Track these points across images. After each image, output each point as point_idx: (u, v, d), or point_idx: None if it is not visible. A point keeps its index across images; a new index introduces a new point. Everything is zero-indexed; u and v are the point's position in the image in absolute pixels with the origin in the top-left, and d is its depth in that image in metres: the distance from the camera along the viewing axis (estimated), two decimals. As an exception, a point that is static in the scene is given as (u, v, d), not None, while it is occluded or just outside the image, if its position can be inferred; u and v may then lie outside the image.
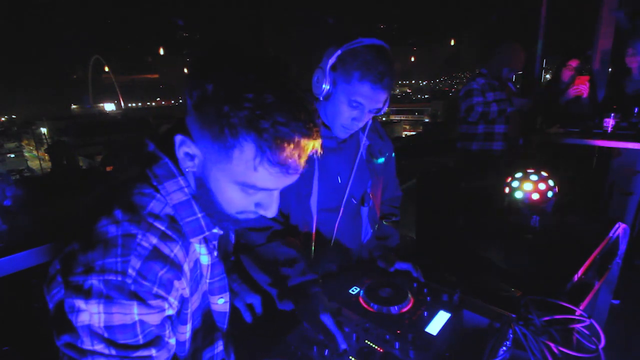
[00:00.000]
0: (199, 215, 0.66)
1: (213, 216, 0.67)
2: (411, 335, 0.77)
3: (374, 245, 1.31)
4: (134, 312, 0.55)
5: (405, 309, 0.88)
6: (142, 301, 0.56)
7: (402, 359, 0.73)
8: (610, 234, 1.34)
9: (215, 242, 0.75)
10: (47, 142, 46.00)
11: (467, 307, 0.88)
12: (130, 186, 0.63)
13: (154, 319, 0.58)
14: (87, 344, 0.54)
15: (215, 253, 0.74)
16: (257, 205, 0.66)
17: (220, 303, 0.77)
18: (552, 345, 0.80)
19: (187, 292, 0.66)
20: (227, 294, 0.78)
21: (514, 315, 0.84)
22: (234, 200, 0.63)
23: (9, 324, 1.24)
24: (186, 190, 0.65)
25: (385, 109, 1.09)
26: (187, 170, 0.64)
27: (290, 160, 0.57)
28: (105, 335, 0.55)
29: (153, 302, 0.58)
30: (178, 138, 0.60)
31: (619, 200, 2.58)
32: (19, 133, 58.08)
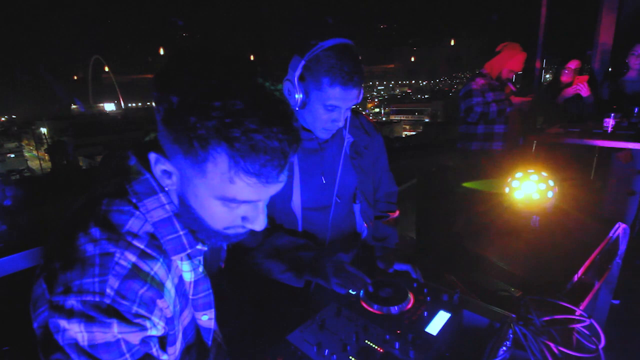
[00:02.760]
0: (181, 232, 0.64)
1: (200, 233, 0.65)
2: (411, 335, 0.77)
3: (373, 246, 1.31)
4: (114, 330, 0.54)
5: (405, 309, 0.88)
6: (122, 320, 0.54)
7: (402, 359, 0.73)
8: (610, 234, 1.34)
9: (201, 258, 0.72)
10: (47, 142, 45.99)
11: (467, 307, 0.88)
12: (108, 202, 0.60)
13: (134, 338, 0.56)
14: (73, 357, 0.53)
15: (201, 269, 0.71)
16: (244, 219, 0.64)
17: (205, 319, 0.75)
18: (552, 345, 0.80)
19: (170, 312, 0.63)
20: (212, 310, 0.75)
21: (514, 315, 0.84)
22: (218, 215, 0.61)
23: (9, 324, 1.24)
24: (167, 207, 0.63)
25: (360, 99, 1.09)
26: (167, 188, 0.62)
27: (267, 169, 0.54)
28: (92, 352, 0.53)
29: (133, 321, 0.56)
30: (152, 156, 0.58)
31: (619, 200, 2.58)
32: (19, 133, 58.04)
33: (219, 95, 0.50)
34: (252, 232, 0.68)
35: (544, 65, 3.73)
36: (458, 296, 0.89)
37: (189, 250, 0.65)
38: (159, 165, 0.59)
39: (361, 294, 0.97)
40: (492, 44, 2.82)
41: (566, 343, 0.83)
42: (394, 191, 1.44)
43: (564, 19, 3.89)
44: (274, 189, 0.59)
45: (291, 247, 1.10)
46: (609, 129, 2.48)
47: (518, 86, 3.12)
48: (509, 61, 2.73)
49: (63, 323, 0.52)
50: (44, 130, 49.06)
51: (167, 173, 0.60)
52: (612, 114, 2.47)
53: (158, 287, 0.60)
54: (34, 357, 0.56)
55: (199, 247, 0.68)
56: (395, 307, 0.88)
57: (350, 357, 0.74)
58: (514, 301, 0.95)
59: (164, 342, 0.64)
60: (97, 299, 0.53)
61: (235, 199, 0.57)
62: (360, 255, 1.31)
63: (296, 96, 1.04)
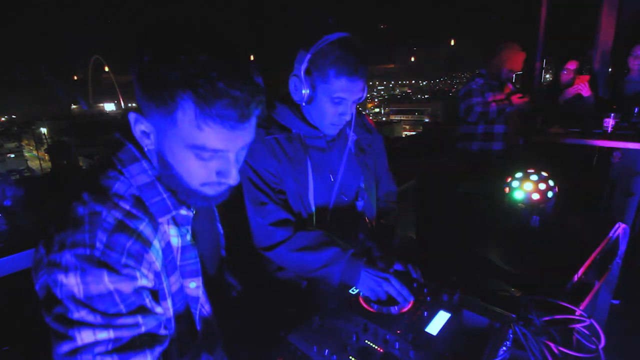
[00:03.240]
0: (164, 195, 0.70)
1: (179, 191, 0.69)
2: (411, 335, 0.77)
3: (373, 245, 1.31)
4: (105, 280, 0.59)
5: (405, 309, 0.88)
6: (111, 270, 0.59)
7: (402, 359, 0.73)
8: (610, 234, 1.34)
9: (189, 227, 0.77)
10: (47, 142, 45.99)
11: (467, 307, 0.88)
12: (97, 171, 0.68)
13: (126, 287, 0.61)
14: (74, 313, 0.57)
15: (188, 237, 0.76)
16: (218, 174, 0.68)
17: (192, 287, 0.79)
18: (552, 345, 0.80)
19: (158, 266, 0.69)
20: (199, 278, 0.79)
21: (514, 315, 0.84)
22: (193, 170, 0.66)
23: (9, 324, 1.24)
24: (149, 172, 0.69)
25: (365, 94, 1.10)
26: (146, 148, 0.68)
27: (230, 115, 0.59)
28: (90, 303, 0.58)
29: (123, 271, 0.61)
30: (132, 116, 0.64)
31: (619, 200, 2.58)
32: (19, 133, 58.01)
33: (184, 49, 0.57)
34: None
35: (544, 65, 3.73)
36: (458, 296, 0.89)
37: (173, 212, 0.71)
38: (138, 125, 0.65)
39: (361, 293, 0.97)
40: (492, 44, 2.82)
41: (566, 343, 0.83)
42: (393, 190, 1.45)
43: (564, 19, 3.89)
44: (240, 138, 0.64)
45: (318, 243, 1.09)
46: (609, 129, 2.48)
47: (518, 86, 3.12)
48: (508, 61, 2.72)
49: (61, 277, 0.58)
50: (44, 130, 49.04)
51: (145, 134, 0.66)
52: (612, 114, 2.47)
53: (144, 243, 0.65)
54: (34, 357, 0.57)
55: (183, 212, 0.74)
56: (395, 307, 0.88)
57: (350, 357, 0.74)
58: (514, 301, 0.95)
59: (156, 295, 0.69)
60: (88, 252, 0.59)
61: (204, 146, 0.62)
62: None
63: (303, 91, 1.05)
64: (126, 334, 0.60)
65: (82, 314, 0.58)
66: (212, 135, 0.61)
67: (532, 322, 0.85)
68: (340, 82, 1.02)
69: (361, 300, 0.94)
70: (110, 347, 0.58)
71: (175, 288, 0.76)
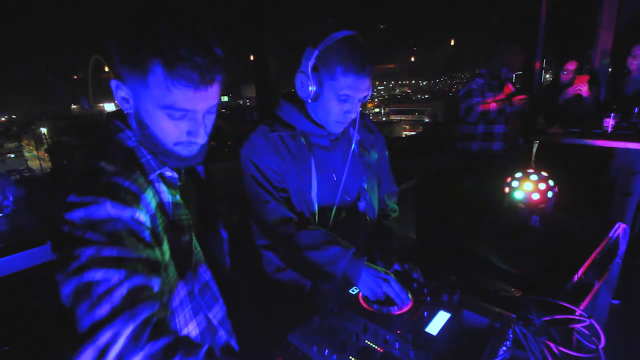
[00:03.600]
0: (148, 157, 0.80)
1: (156, 151, 0.79)
2: (411, 335, 0.77)
3: (373, 245, 1.31)
4: (109, 208, 0.67)
5: (405, 309, 0.88)
6: (115, 199, 0.68)
7: (402, 359, 0.73)
8: (610, 234, 1.34)
9: (177, 186, 0.85)
10: (47, 142, 45.97)
11: (467, 307, 0.88)
12: (95, 141, 0.81)
13: (127, 214, 0.69)
14: (78, 232, 0.64)
15: (177, 197, 0.84)
16: (188, 133, 0.77)
17: (186, 239, 0.85)
18: (552, 345, 0.80)
19: (151, 208, 0.77)
20: (191, 233, 0.86)
21: (514, 315, 0.84)
22: (166, 129, 0.75)
23: (9, 324, 1.24)
24: (133, 139, 0.80)
25: (370, 93, 1.11)
26: (126, 112, 0.79)
27: (194, 78, 0.68)
28: (93, 226, 0.65)
29: (125, 198, 0.70)
30: (113, 83, 0.75)
31: (619, 200, 2.57)
32: (19, 133, 57.95)
33: (152, 23, 0.68)
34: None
35: (544, 65, 3.73)
36: (458, 296, 0.89)
37: (158, 171, 0.80)
38: (119, 92, 0.75)
39: (361, 293, 0.97)
40: (492, 44, 2.82)
41: (566, 343, 0.83)
42: (394, 191, 1.45)
43: (564, 19, 3.89)
44: (205, 100, 0.73)
45: (320, 242, 1.08)
46: (609, 129, 2.48)
47: (518, 86, 3.12)
48: (508, 61, 2.73)
49: (68, 215, 0.65)
50: (44, 130, 49.03)
51: (125, 100, 0.76)
52: (612, 114, 2.47)
53: (139, 187, 0.74)
54: (34, 357, 0.57)
55: (168, 173, 0.82)
56: (395, 307, 0.88)
57: (350, 357, 0.74)
58: (514, 301, 0.95)
59: (156, 236, 0.76)
60: (94, 186, 0.69)
61: (174, 106, 0.71)
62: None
63: (309, 88, 1.06)
64: (129, 254, 0.65)
65: (86, 233, 0.64)
66: (179, 96, 0.70)
67: (532, 322, 0.85)
68: (348, 80, 1.03)
69: (361, 300, 0.94)
70: (115, 263, 0.63)
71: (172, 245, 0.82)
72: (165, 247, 0.79)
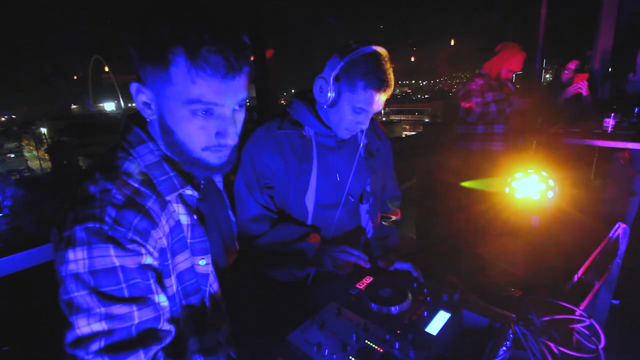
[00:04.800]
0: (171, 174, 0.74)
1: (183, 161, 0.73)
2: (411, 335, 0.77)
3: (374, 245, 1.31)
4: (112, 254, 0.61)
5: (405, 309, 0.88)
6: (118, 244, 0.62)
7: (402, 359, 0.73)
8: (610, 234, 1.34)
9: (194, 206, 0.80)
10: (47, 142, 45.98)
11: (467, 307, 0.88)
12: (108, 153, 0.73)
13: (131, 262, 0.63)
14: (74, 293, 0.60)
15: (195, 216, 0.79)
16: (217, 134, 0.70)
17: (202, 264, 0.81)
18: (552, 345, 0.80)
19: (164, 243, 0.71)
20: (209, 256, 0.82)
21: (514, 315, 0.84)
22: (193, 132, 0.69)
23: (9, 324, 1.24)
24: (156, 152, 0.74)
25: (382, 107, 1.13)
26: (149, 119, 0.72)
27: (219, 65, 0.62)
28: (91, 282, 0.60)
29: (129, 246, 0.63)
30: (133, 86, 0.68)
31: (619, 200, 2.57)
32: (19, 133, 57.98)
33: (172, 10, 0.62)
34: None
35: (544, 65, 3.72)
36: (458, 296, 0.89)
37: (180, 190, 0.74)
38: (140, 96, 0.69)
39: (361, 293, 0.97)
40: (492, 44, 2.82)
41: (566, 343, 0.83)
42: (397, 195, 1.46)
43: (564, 19, 3.89)
44: (233, 92, 0.67)
45: (294, 237, 1.15)
46: (609, 129, 2.48)
47: (517, 86, 3.12)
48: (508, 61, 2.72)
49: (69, 253, 0.60)
50: (44, 130, 49.04)
51: (147, 105, 0.69)
52: (612, 114, 2.46)
53: (151, 220, 0.68)
54: (34, 357, 0.57)
55: (188, 191, 0.77)
56: (395, 307, 0.88)
57: (350, 357, 0.74)
58: (514, 301, 0.95)
59: (160, 276, 0.71)
60: (98, 225, 0.62)
61: (199, 99, 0.65)
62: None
63: (328, 94, 1.07)
64: (119, 326, 0.61)
65: (82, 294, 0.60)
66: (205, 87, 0.64)
67: (532, 322, 0.85)
68: (366, 95, 1.05)
69: (361, 300, 0.94)
70: (102, 343, 0.60)
71: (185, 266, 0.78)
72: (173, 279, 0.75)
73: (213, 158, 0.73)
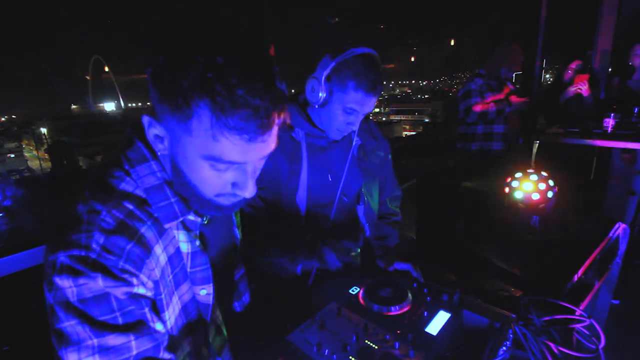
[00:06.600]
0: (172, 200, 0.66)
1: (193, 202, 0.66)
2: (411, 335, 0.77)
3: (373, 245, 1.31)
4: (100, 284, 0.55)
5: (405, 309, 0.88)
6: (107, 274, 0.56)
7: (402, 359, 0.73)
8: (610, 234, 1.34)
9: (197, 232, 0.73)
10: (47, 142, 46.00)
11: (467, 307, 0.88)
12: (103, 170, 0.64)
13: (120, 292, 0.57)
14: (64, 323, 0.54)
15: (197, 243, 0.72)
16: (234, 185, 0.63)
17: (203, 294, 0.75)
18: (552, 345, 0.80)
19: (157, 275, 0.64)
20: (210, 285, 0.75)
21: (514, 315, 0.84)
22: (208, 180, 0.61)
23: (9, 324, 1.25)
24: (158, 174, 0.66)
25: (373, 108, 1.14)
26: (159, 153, 0.64)
27: (249, 125, 0.53)
28: (82, 310, 0.55)
29: (120, 276, 0.57)
30: (145, 119, 0.59)
31: (619, 200, 2.57)
32: (19, 133, 58.03)
33: (201, 51, 0.51)
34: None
35: (544, 65, 3.72)
36: (458, 296, 0.89)
37: (180, 218, 0.67)
38: (152, 129, 0.60)
39: (361, 293, 0.97)
40: (492, 44, 2.82)
41: (566, 343, 0.83)
42: (397, 195, 1.45)
43: (564, 19, 3.89)
44: (259, 150, 0.59)
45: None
46: (609, 129, 2.48)
47: (517, 86, 3.12)
48: (507, 61, 2.72)
49: (56, 279, 0.55)
50: (44, 130, 49.07)
51: (159, 138, 0.61)
52: (612, 114, 2.47)
53: (145, 248, 0.61)
54: (34, 357, 0.57)
55: (191, 217, 0.70)
56: (395, 307, 0.88)
57: (350, 357, 0.74)
58: (514, 301, 0.95)
59: (156, 307, 0.64)
60: (83, 253, 0.55)
61: (221, 158, 0.57)
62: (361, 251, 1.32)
63: (320, 94, 1.08)
64: (115, 359, 0.55)
65: (71, 324, 0.54)
66: (229, 147, 0.55)
67: (532, 322, 0.85)
68: (357, 95, 1.06)
69: (361, 300, 0.94)
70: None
71: (188, 298, 0.73)
72: (171, 312, 0.68)
73: (225, 201, 0.66)
